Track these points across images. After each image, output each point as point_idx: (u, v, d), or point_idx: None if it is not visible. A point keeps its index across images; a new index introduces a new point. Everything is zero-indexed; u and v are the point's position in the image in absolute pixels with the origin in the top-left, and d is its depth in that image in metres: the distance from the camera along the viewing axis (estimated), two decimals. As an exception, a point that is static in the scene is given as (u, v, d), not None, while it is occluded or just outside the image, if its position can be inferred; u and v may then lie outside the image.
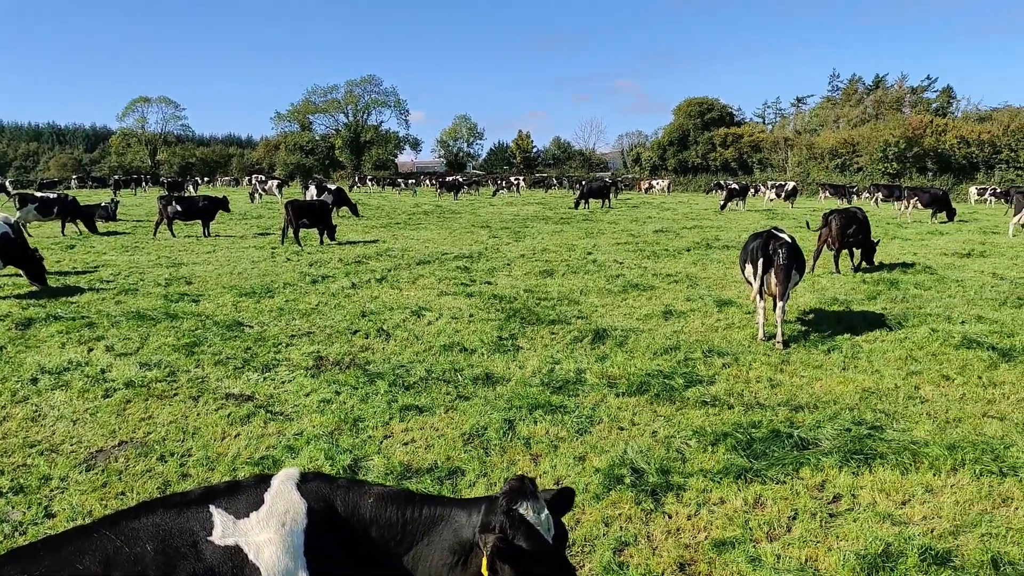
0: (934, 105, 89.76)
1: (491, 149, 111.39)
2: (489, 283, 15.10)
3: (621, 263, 18.22)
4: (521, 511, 2.86)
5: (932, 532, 5.16)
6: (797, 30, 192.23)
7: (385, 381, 8.30)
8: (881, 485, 5.88)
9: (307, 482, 3.01)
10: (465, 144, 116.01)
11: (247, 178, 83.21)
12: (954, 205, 33.19)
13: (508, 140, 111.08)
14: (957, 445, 6.50)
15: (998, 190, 50.18)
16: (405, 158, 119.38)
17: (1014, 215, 24.57)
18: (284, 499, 2.90)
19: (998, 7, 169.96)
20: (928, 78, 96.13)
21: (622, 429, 7.15)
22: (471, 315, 11.90)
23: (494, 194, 59.89)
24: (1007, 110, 78.63)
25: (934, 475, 6.01)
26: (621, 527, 5.31)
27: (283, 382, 8.47)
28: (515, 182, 62.40)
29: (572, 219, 33.06)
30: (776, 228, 10.94)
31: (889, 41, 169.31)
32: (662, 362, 9.34)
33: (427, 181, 77.19)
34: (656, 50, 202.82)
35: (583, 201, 40.56)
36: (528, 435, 6.89)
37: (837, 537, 5.14)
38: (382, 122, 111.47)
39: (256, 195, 48.37)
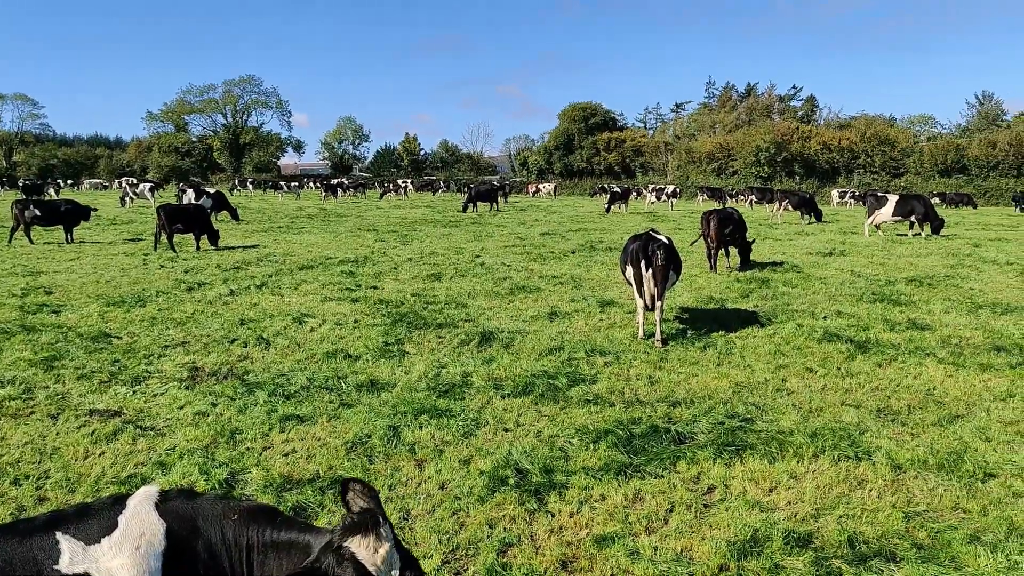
0: (800, 113, 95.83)
1: (378, 152, 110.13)
2: (375, 288, 14.87)
3: (509, 266, 18.37)
4: (353, 549, 2.68)
5: (795, 516, 5.47)
6: (675, 37, 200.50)
7: (264, 391, 8.00)
8: (751, 474, 6.18)
9: (167, 501, 2.84)
10: (351, 146, 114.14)
11: (117, 181, 78.49)
12: (820, 207, 35.47)
13: (395, 143, 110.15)
14: (818, 433, 6.93)
15: (857, 193, 54.05)
16: (288, 160, 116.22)
17: (868, 216, 26.52)
18: (140, 521, 2.73)
19: (855, 23, 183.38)
20: (794, 87, 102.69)
21: (507, 431, 7.19)
22: (356, 321, 11.68)
23: (381, 197, 59.10)
24: (863, 118, 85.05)
25: (798, 462, 6.38)
26: (505, 528, 5.34)
27: (155, 395, 8.02)
28: (402, 185, 61.90)
29: (460, 222, 33.09)
30: (654, 230, 11.32)
31: (759, 51, 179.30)
32: (547, 363, 9.47)
33: (311, 184, 75.25)
34: (539, 56, 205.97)
35: (471, 204, 40.70)
36: (413, 441, 6.81)
37: (710, 526, 5.35)
38: (263, 123, 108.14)
39: (127, 199, 45.70)
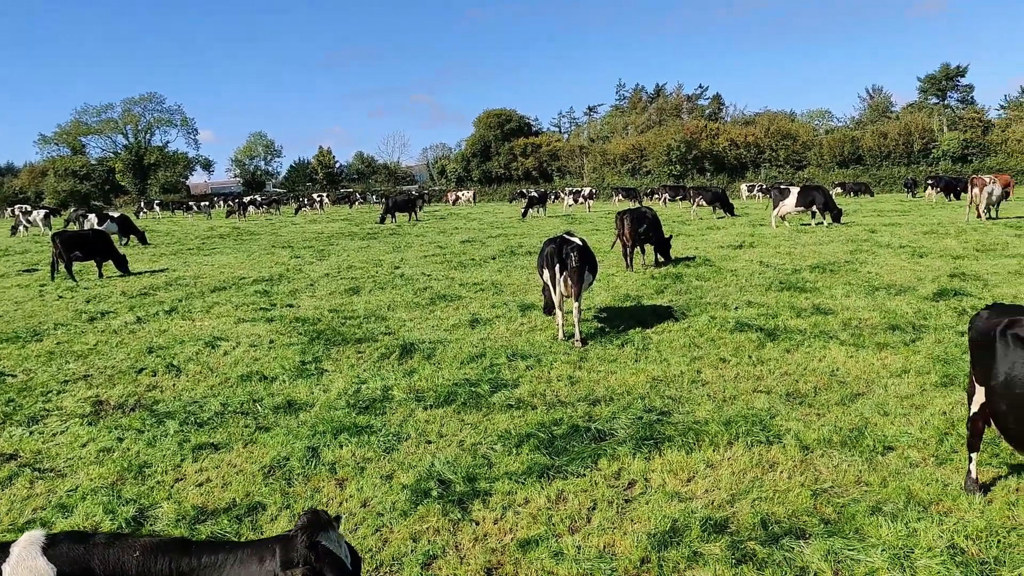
0: (707, 111, 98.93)
1: (291, 166, 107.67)
2: (291, 306, 14.54)
3: (429, 275, 18.29)
4: (324, 543, 2.91)
5: (712, 503, 5.63)
6: (583, 42, 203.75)
7: (175, 420, 7.72)
8: (670, 466, 6.33)
9: (55, 545, 2.71)
10: (263, 162, 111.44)
11: (8, 209, 74.29)
12: (731, 202, 36.67)
13: (309, 156, 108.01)
14: (732, 421, 7.15)
15: (764, 186, 56.13)
16: (198, 180, 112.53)
17: (774, 209, 27.58)
18: (27, 568, 2.59)
19: (754, 22, 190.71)
20: (701, 87, 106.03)
21: (430, 442, 7.15)
22: (271, 341, 11.39)
23: (296, 212, 57.90)
24: (767, 114, 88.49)
25: (714, 451, 6.56)
26: (429, 540, 5.30)
27: (54, 434, 7.62)
28: (318, 199, 60.71)
29: (379, 234, 32.75)
30: (568, 232, 11.47)
31: (665, 52, 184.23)
32: (469, 370, 9.47)
33: (221, 202, 72.97)
34: (447, 64, 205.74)
35: (389, 215, 40.32)
36: (333, 460, 6.69)
37: (632, 521, 5.45)
38: (168, 142, 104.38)
39: (20, 227, 43.32)
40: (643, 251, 18.80)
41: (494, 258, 21.42)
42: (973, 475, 5.59)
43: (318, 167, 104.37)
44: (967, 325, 5.84)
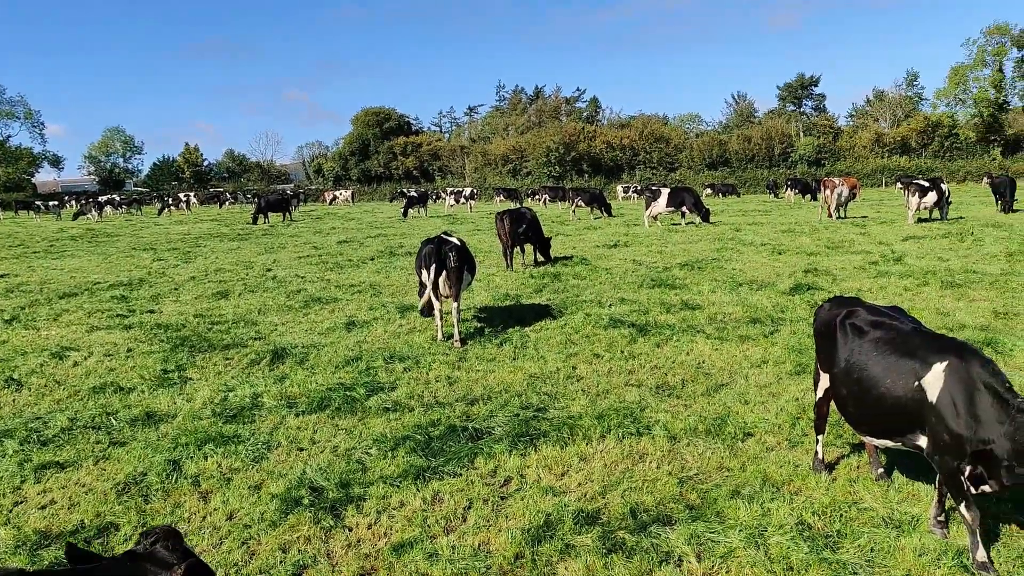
0: (585, 114, 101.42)
1: (155, 164, 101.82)
2: (152, 312, 13.72)
3: (303, 277, 17.76)
4: (187, 545, 2.96)
5: (585, 496, 5.74)
6: (465, 40, 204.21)
7: (15, 439, 7.08)
8: (545, 461, 6.41)
9: None
10: (121, 159, 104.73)
11: None
12: (609, 202, 37.76)
13: (175, 154, 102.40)
14: (605, 414, 7.33)
15: (638, 188, 58.14)
16: (46, 177, 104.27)
17: (646, 209, 28.62)
18: None
19: (630, 28, 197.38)
20: (578, 89, 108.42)
21: (302, 450, 6.93)
22: (129, 350, 10.70)
23: (160, 212, 54.70)
24: (641, 118, 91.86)
25: (587, 444, 6.70)
26: (300, 550, 5.12)
27: None
28: (184, 198, 57.74)
29: (251, 235, 31.52)
30: (446, 232, 11.43)
31: (544, 55, 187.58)
32: (344, 374, 9.25)
33: (72, 202, 67.69)
34: (322, 61, 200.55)
35: (262, 215, 38.85)
36: (197, 472, 6.35)
37: (507, 517, 5.48)
38: (9, 136, 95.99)
39: None
40: (523, 251, 19.02)
41: (372, 259, 21.07)
42: (820, 456, 5.99)
43: (184, 165, 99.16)
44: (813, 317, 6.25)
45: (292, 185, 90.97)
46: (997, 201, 30.21)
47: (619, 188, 61.84)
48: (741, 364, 9.02)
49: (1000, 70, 76.42)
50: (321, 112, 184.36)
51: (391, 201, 65.98)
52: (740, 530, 5.01)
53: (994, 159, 71.30)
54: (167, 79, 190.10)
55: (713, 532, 5.02)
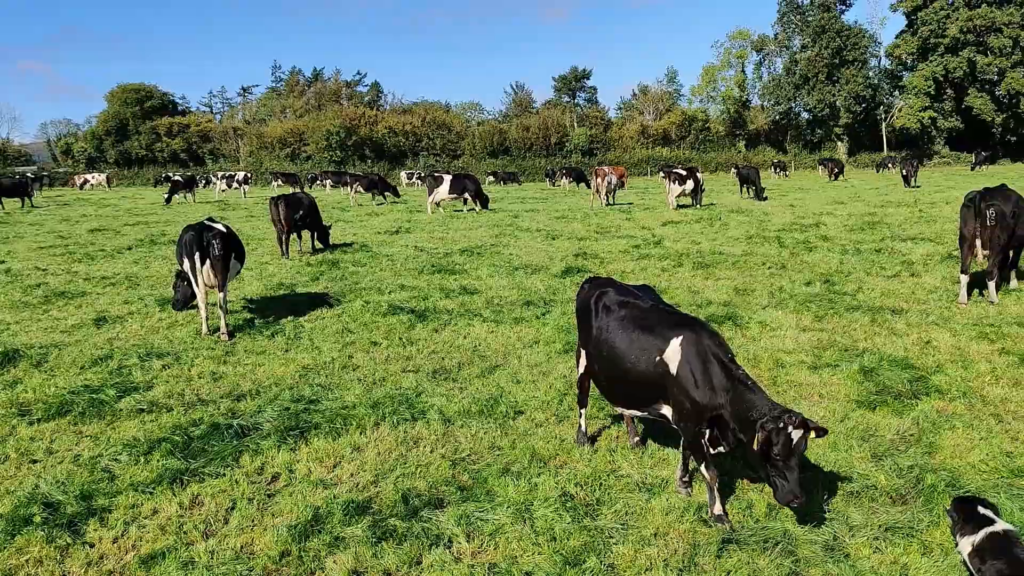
0: (367, 98, 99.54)
1: None
2: None
3: (44, 270, 15.80)
4: None
5: (357, 486, 5.64)
6: (236, 19, 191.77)
7: None
8: (316, 454, 6.21)
9: None
10: None
11: None
12: (396, 186, 37.68)
13: None
14: (380, 402, 7.26)
15: (422, 174, 58.26)
16: None
17: (429, 196, 28.78)
18: None
19: (408, 13, 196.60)
20: (359, 73, 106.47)
21: (35, 462, 6.17)
22: None
23: None
24: (423, 104, 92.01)
25: (361, 433, 6.59)
26: (28, 575, 4.54)
27: None
28: None
29: (-19, 223, 27.46)
30: (210, 219, 10.68)
31: (320, 37, 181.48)
32: (91, 375, 8.36)
33: None
34: (67, 29, 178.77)
35: (-4, 200, 34.02)
36: None
37: (273, 515, 5.24)
38: None
39: None
40: (300, 238, 18.31)
41: (130, 248, 19.24)
42: (583, 428, 6.36)
43: None
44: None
45: (35, 168, 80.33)
46: (742, 189, 34.25)
47: (403, 174, 61.59)
48: (515, 345, 9.35)
49: (743, 71, 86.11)
50: (66, 86, 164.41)
51: (155, 186, 60.48)
52: (508, 507, 5.18)
53: (739, 151, 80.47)
54: None
55: (483, 511, 5.15)
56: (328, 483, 5.71)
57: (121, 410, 7.29)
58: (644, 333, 5.26)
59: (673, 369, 5.00)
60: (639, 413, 5.52)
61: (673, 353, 5.01)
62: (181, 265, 10.47)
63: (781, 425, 4.44)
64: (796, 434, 4.46)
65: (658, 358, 5.08)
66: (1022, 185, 19.14)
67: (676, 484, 5.53)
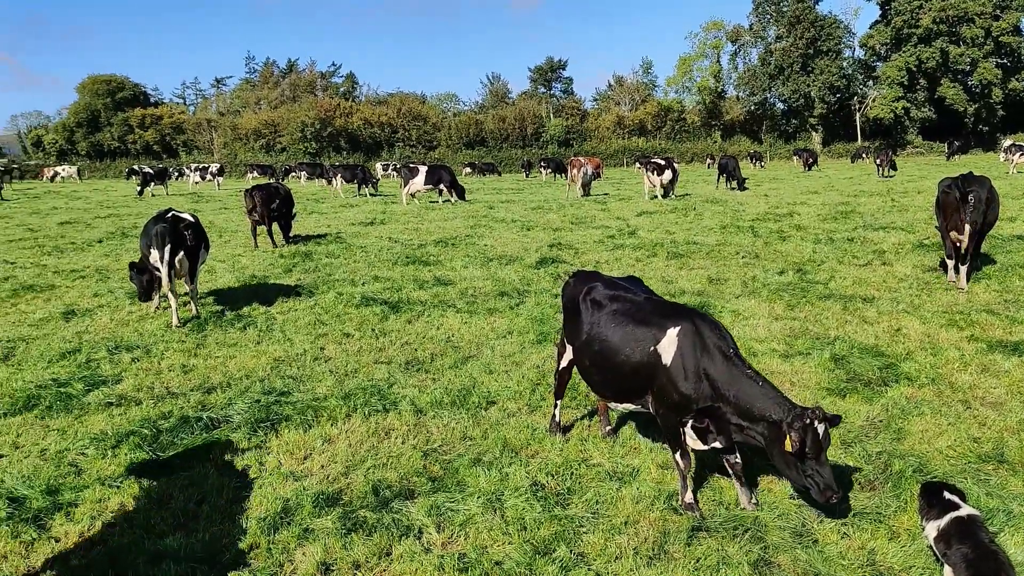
0: (342, 90, 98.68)
1: None
2: None
3: (13, 263, 15.53)
4: None
5: (328, 478, 5.61)
6: (209, 9, 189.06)
7: None
8: (286, 446, 6.16)
9: None
10: None
11: None
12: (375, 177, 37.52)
13: None
14: (352, 393, 7.22)
15: (398, 166, 57.94)
16: None
17: (404, 187, 28.63)
18: None
19: (385, 6, 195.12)
20: (334, 64, 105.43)
21: (1, 457, 6.05)
22: None
23: None
24: (399, 95, 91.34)
25: (332, 425, 6.55)
26: (-8, 573, 4.47)
27: None
28: None
29: (-54, 215, 26.91)
30: (175, 210, 10.55)
31: (294, 28, 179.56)
32: (59, 369, 8.24)
33: None
34: (34, 19, 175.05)
35: (-38, 193, 33.37)
36: None
37: (243, 508, 5.19)
38: None
39: None
40: (271, 230, 18.10)
41: (101, 241, 18.96)
42: (557, 419, 6.36)
43: None
44: (560, 290, 6.59)
45: (6, 160, 78.80)
46: (719, 179, 34.37)
47: (378, 165, 61.17)
48: (488, 336, 9.33)
49: (718, 61, 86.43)
50: (32, 77, 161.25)
51: (128, 178, 59.58)
52: (479, 497, 5.18)
53: (715, 142, 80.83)
54: None
55: (453, 502, 5.14)
56: (298, 475, 5.67)
57: (89, 404, 7.19)
58: (639, 325, 5.21)
59: (667, 359, 4.95)
60: (631, 406, 5.45)
61: (668, 343, 4.97)
62: (148, 256, 10.30)
63: (808, 422, 4.43)
64: (822, 428, 4.48)
65: (652, 348, 5.06)
66: (994, 174, 19.59)
67: (746, 506, 5.07)
